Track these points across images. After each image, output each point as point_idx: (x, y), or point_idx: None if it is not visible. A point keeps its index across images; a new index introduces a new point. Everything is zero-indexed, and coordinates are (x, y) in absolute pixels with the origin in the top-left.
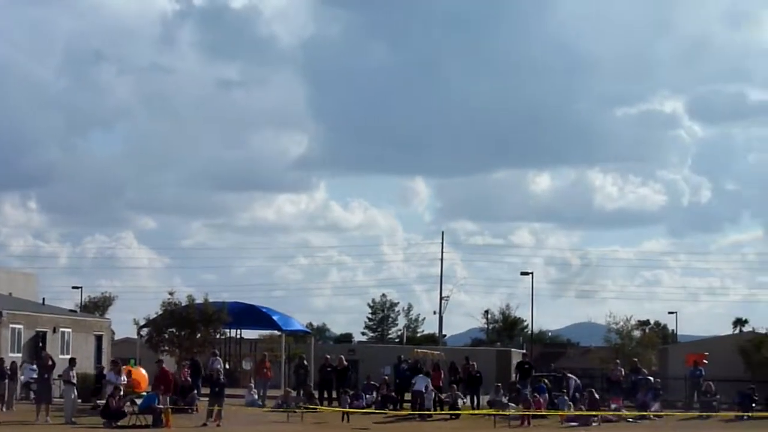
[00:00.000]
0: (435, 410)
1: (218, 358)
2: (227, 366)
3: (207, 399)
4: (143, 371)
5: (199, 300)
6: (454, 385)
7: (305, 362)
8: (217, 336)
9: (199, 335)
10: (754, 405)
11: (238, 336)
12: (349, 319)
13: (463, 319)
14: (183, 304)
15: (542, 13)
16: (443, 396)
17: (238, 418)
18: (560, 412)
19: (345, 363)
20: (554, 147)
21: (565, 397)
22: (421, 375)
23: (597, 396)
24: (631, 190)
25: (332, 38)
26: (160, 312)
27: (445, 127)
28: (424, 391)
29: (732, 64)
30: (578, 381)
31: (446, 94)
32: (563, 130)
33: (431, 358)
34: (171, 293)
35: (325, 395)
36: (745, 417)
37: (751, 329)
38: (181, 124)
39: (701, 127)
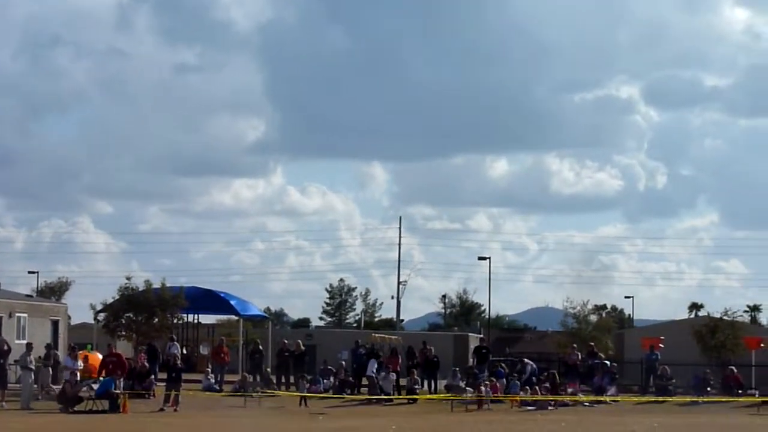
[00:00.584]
0: (393, 395)
1: (175, 343)
2: (184, 351)
3: (164, 384)
4: (100, 356)
5: (156, 285)
6: (413, 370)
7: (260, 347)
8: (175, 321)
9: (156, 320)
10: (709, 389)
11: (196, 321)
12: (306, 304)
13: (421, 303)
14: (140, 289)
15: (500, 0)
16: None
17: (195, 403)
18: (515, 397)
19: (302, 348)
20: (511, 132)
21: (517, 382)
22: (372, 359)
23: (558, 380)
24: (588, 175)
25: (289, 23)
26: (117, 297)
27: (403, 112)
28: (374, 374)
29: (687, 50)
30: (534, 366)
31: (404, 79)
32: (520, 115)
33: (389, 342)
34: (128, 278)
35: (283, 380)
36: (701, 401)
37: (706, 314)
38: (138, 109)
39: (657, 112)
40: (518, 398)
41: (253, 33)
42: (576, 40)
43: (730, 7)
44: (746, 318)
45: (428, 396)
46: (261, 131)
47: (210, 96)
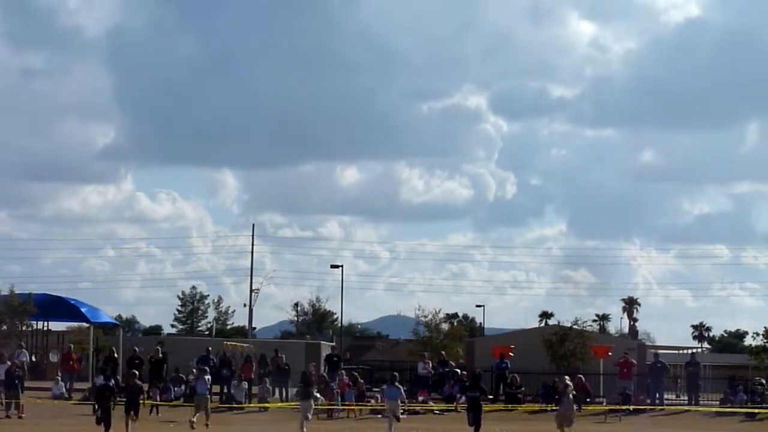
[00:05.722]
0: (245, 403)
1: (24, 350)
2: (33, 358)
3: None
4: None
5: (5, 292)
6: (265, 378)
7: (115, 355)
8: (23, 328)
9: (4, 327)
10: (557, 397)
11: (45, 328)
12: (158, 312)
13: (273, 311)
14: None
15: (348, 7)
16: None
17: (44, 411)
18: (365, 405)
19: (160, 355)
20: (361, 141)
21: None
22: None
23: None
24: (437, 184)
25: (138, 28)
26: None
27: (253, 120)
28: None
29: (534, 60)
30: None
31: (253, 87)
32: (370, 123)
33: (241, 351)
34: None
35: None
36: (549, 409)
37: (556, 322)
38: None
39: (505, 122)
40: (367, 406)
41: (102, 38)
42: (424, 49)
43: (577, 19)
44: (595, 327)
45: (279, 404)
46: (110, 137)
47: (58, 101)
